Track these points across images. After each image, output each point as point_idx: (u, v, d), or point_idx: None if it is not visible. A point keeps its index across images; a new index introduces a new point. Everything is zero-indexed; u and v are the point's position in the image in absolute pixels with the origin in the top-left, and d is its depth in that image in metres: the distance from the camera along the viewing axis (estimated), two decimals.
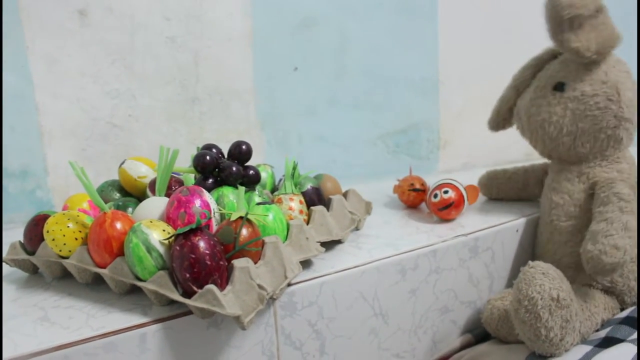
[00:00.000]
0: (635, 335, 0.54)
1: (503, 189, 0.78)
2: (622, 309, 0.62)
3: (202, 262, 0.43)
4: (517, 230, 0.70)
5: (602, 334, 0.56)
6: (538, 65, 0.70)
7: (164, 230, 0.46)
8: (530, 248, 0.73)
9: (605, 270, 0.55)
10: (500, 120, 0.73)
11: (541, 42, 0.65)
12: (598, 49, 0.60)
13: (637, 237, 0.61)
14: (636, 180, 0.64)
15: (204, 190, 0.51)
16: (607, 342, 0.54)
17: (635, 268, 0.62)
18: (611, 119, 0.62)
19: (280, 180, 0.67)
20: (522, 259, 0.71)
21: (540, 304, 0.52)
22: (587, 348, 0.54)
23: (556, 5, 0.60)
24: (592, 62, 0.62)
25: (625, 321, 0.57)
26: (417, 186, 0.75)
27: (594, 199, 0.62)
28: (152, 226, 0.46)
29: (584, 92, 0.62)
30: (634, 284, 0.62)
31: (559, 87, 0.64)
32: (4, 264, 0.56)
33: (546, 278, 0.53)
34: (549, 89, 0.65)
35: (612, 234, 0.55)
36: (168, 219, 0.49)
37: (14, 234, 0.68)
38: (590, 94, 0.62)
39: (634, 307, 0.61)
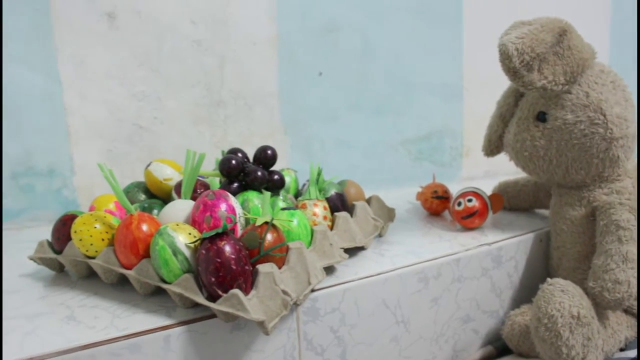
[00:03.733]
0: None
1: (515, 202, 0.77)
2: None
3: (227, 267, 0.43)
4: (540, 240, 0.69)
5: (631, 354, 0.55)
6: (519, 90, 0.66)
7: (189, 234, 0.46)
8: None
9: (611, 307, 0.54)
10: (493, 147, 0.70)
11: None
12: (569, 78, 0.57)
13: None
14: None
15: (229, 194, 0.51)
16: None
17: None
18: (600, 142, 0.58)
19: (304, 185, 0.67)
20: (545, 270, 0.70)
21: (560, 321, 0.51)
22: None
23: (505, 59, 0.55)
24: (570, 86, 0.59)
25: None
26: (440, 193, 0.74)
27: (596, 226, 0.60)
28: (178, 229, 0.46)
29: (566, 121, 0.58)
30: None
31: (541, 117, 0.61)
32: (30, 261, 0.57)
33: (565, 295, 0.52)
34: (531, 120, 0.62)
35: (613, 268, 0.54)
36: (194, 222, 0.49)
37: (39, 232, 0.70)
38: (573, 121, 0.58)
39: None
